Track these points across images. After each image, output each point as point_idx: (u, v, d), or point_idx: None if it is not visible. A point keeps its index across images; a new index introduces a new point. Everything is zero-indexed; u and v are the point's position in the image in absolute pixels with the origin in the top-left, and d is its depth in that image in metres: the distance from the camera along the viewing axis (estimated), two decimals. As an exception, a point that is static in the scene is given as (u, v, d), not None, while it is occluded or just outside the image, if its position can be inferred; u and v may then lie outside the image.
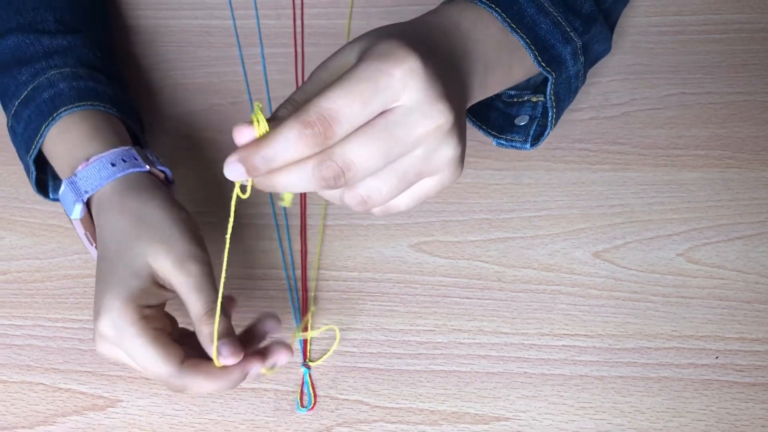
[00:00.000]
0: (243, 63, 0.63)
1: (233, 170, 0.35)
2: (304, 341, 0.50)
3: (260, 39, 0.64)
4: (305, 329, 0.50)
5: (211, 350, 0.41)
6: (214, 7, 0.66)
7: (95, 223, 0.46)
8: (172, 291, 0.43)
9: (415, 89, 0.33)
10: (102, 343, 0.42)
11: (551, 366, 0.49)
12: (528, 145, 0.51)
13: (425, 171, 0.36)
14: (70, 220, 0.47)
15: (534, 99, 0.51)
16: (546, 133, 0.50)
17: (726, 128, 0.58)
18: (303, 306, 0.52)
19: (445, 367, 0.49)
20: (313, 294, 0.52)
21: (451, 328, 0.51)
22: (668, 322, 0.50)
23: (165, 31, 0.64)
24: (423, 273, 0.53)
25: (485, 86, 0.43)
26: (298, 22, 0.65)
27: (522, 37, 0.44)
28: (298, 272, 0.53)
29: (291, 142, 0.33)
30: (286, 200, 0.37)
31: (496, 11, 0.43)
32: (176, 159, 0.58)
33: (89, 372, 0.50)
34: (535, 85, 0.52)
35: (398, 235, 0.54)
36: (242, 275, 0.53)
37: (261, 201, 0.56)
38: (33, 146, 0.49)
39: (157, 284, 0.43)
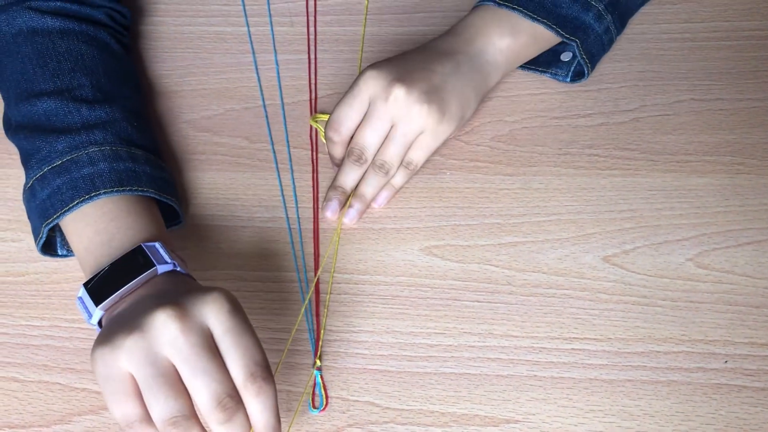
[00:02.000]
0: (257, 69, 0.64)
1: (330, 209, 0.56)
2: (316, 341, 0.51)
3: (274, 45, 0.65)
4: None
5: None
6: (229, 15, 0.67)
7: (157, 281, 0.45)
8: None
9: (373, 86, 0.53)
10: (177, 328, 0.39)
11: (561, 369, 0.49)
12: (568, 79, 0.61)
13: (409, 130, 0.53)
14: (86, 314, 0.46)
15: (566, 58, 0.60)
16: (584, 78, 0.60)
17: (736, 134, 0.58)
18: (315, 308, 0.53)
19: (456, 370, 0.50)
20: (328, 296, 0.53)
21: (462, 331, 0.51)
22: (677, 326, 0.51)
23: (181, 37, 0.65)
24: (433, 276, 0.53)
25: (518, 60, 0.58)
26: (312, 28, 0.65)
27: (543, 22, 0.56)
28: (311, 275, 0.54)
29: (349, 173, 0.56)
30: None
31: (517, 10, 0.56)
32: (191, 163, 0.59)
33: (105, 372, 0.51)
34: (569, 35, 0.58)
35: (409, 238, 0.55)
36: (255, 278, 0.54)
37: (275, 205, 0.57)
38: (55, 215, 0.48)
39: None
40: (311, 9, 0.66)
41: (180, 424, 0.38)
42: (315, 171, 0.58)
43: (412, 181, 0.57)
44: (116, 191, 0.49)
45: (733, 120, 0.59)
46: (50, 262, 0.55)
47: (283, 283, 0.54)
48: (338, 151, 0.56)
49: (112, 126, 0.52)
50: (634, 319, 0.51)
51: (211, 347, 0.39)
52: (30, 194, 0.51)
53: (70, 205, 0.48)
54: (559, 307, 0.52)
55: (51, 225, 0.49)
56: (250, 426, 0.40)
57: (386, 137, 0.54)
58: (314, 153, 0.59)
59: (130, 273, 0.44)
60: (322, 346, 0.51)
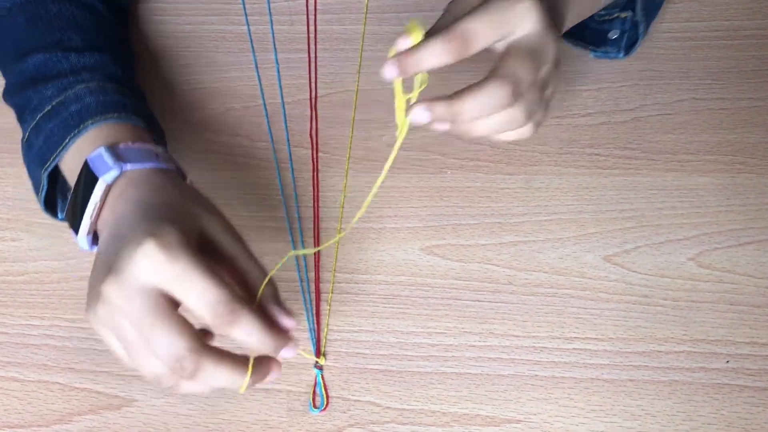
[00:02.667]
0: (257, 68, 0.63)
1: (389, 69, 0.41)
2: (317, 341, 0.51)
3: (274, 44, 0.64)
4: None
5: (275, 314, 0.39)
6: (229, 13, 0.66)
7: (122, 199, 0.42)
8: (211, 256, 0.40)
9: (530, 21, 0.42)
10: (117, 287, 0.37)
11: (562, 369, 0.49)
12: (621, 54, 0.60)
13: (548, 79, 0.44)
14: (77, 190, 0.44)
15: (623, 15, 0.58)
16: (638, 43, 0.59)
17: (736, 133, 0.58)
18: (316, 307, 0.52)
19: (457, 370, 0.50)
20: (330, 296, 0.53)
21: (462, 331, 0.51)
22: (679, 326, 0.51)
23: (182, 36, 0.65)
24: (434, 276, 0.53)
25: (575, 18, 0.52)
26: (312, 27, 0.65)
27: None
28: (311, 274, 0.54)
29: (437, 51, 0.41)
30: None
31: None
32: (191, 161, 0.59)
33: (105, 372, 0.51)
34: (622, 3, 0.57)
35: (410, 238, 0.55)
36: (256, 277, 0.54)
37: (275, 204, 0.57)
38: (51, 159, 0.48)
39: (198, 242, 0.40)
40: (311, 8, 0.66)
41: (163, 379, 0.39)
42: (315, 170, 0.58)
43: (413, 180, 0.57)
44: (103, 119, 0.47)
45: (735, 119, 0.59)
46: (50, 261, 0.55)
47: (283, 283, 0.53)
48: (442, 61, 0.42)
49: (101, 69, 0.52)
50: (635, 318, 0.51)
51: (157, 307, 0.37)
52: (27, 147, 0.51)
53: (63, 144, 0.47)
54: (560, 306, 0.52)
55: (49, 169, 0.48)
56: (220, 379, 0.38)
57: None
58: (314, 152, 0.59)
59: (83, 194, 0.43)
60: (323, 346, 0.51)
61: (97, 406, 0.49)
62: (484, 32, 0.41)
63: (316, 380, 0.50)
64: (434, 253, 0.54)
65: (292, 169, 0.58)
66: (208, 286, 0.37)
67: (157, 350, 0.37)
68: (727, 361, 0.49)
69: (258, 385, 0.49)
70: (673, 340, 0.50)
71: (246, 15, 0.66)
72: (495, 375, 0.49)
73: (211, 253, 0.41)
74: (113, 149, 0.44)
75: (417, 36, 0.42)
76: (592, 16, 0.58)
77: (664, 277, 0.52)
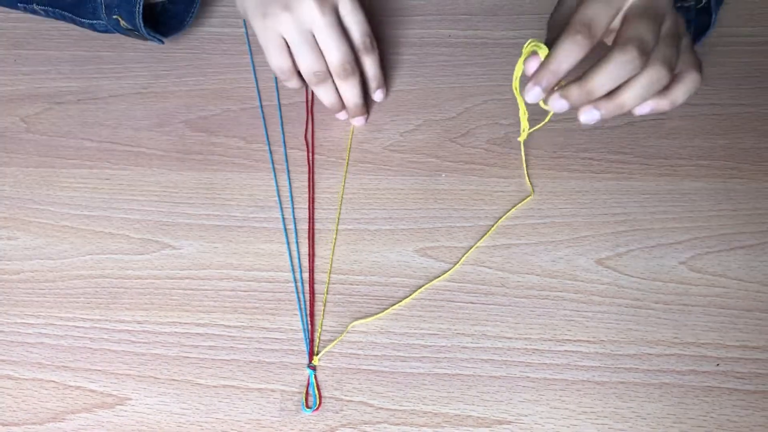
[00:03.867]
0: (254, 70, 0.64)
1: (532, 93, 0.44)
2: (311, 341, 0.51)
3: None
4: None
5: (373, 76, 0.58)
6: (227, 16, 0.67)
7: None
8: None
9: None
10: (318, 8, 0.53)
11: (553, 371, 0.50)
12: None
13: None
14: None
15: (686, 3, 0.59)
16: (709, 31, 0.60)
17: (729, 139, 0.58)
18: (310, 307, 0.53)
19: (449, 371, 0.50)
20: (325, 296, 0.53)
21: (455, 332, 0.51)
22: (670, 329, 0.51)
23: (179, 37, 0.66)
24: (428, 277, 0.53)
25: None
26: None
27: None
28: (305, 275, 0.54)
29: (567, 50, 0.43)
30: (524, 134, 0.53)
31: None
32: (187, 162, 0.59)
33: (99, 370, 0.51)
34: None
35: (404, 240, 0.55)
36: (250, 278, 0.54)
37: (270, 205, 0.57)
38: None
39: None
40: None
41: (320, 76, 0.56)
42: (311, 172, 0.59)
43: (408, 182, 0.58)
44: None
45: (727, 125, 0.59)
46: (46, 260, 0.55)
47: (278, 283, 0.54)
48: (576, 59, 0.44)
49: None
50: (626, 321, 0.51)
51: (339, 24, 0.54)
52: None
53: None
54: (553, 309, 0.52)
55: None
56: (358, 93, 0.58)
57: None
58: (310, 154, 0.60)
59: None
60: (317, 346, 0.51)
61: (91, 405, 0.50)
62: (600, 13, 0.44)
63: (309, 380, 0.50)
64: (428, 254, 0.54)
65: (288, 171, 0.59)
66: (366, 22, 0.56)
67: (333, 51, 0.55)
68: (718, 365, 0.50)
69: (252, 385, 0.49)
70: (664, 343, 0.50)
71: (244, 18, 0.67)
72: (487, 376, 0.50)
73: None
74: None
75: (543, 52, 0.45)
76: None
77: (656, 281, 0.53)
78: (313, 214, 0.57)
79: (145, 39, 0.63)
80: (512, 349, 0.51)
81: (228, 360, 0.51)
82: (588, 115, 0.46)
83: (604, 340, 0.51)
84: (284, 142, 0.60)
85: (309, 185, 0.58)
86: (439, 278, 0.53)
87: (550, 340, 0.51)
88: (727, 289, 0.52)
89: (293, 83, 0.59)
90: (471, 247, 0.54)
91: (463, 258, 0.54)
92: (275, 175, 0.59)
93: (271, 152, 0.60)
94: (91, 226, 0.56)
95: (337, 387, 0.50)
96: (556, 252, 0.54)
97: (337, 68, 0.55)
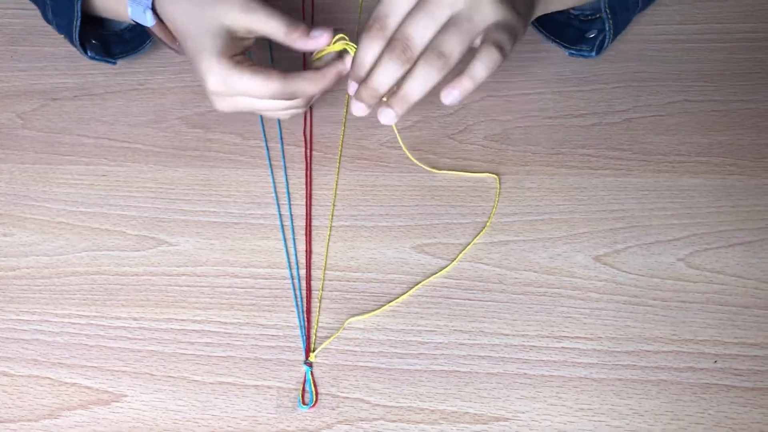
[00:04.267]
0: (251, 66, 0.64)
1: (385, 115, 0.48)
2: (307, 338, 0.51)
3: (269, 42, 0.65)
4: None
5: (309, 47, 0.50)
6: (223, 11, 0.67)
7: (167, 19, 0.52)
8: (250, 35, 0.51)
9: None
10: (218, 101, 0.51)
11: (551, 368, 0.50)
12: (594, 53, 0.60)
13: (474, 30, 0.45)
14: (152, 33, 0.54)
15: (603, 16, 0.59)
16: (606, 43, 0.59)
17: (728, 135, 0.58)
18: (307, 304, 0.53)
19: (446, 367, 0.50)
20: (320, 293, 0.53)
21: (452, 329, 0.51)
22: (667, 326, 0.51)
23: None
24: (425, 274, 0.53)
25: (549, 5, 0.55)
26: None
27: None
28: (302, 272, 0.54)
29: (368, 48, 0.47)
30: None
31: None
32: (184, 159, 0.59)
33: (95, 367, 0.51)
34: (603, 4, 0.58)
35: (401, 236, 0.55)
36: (247, 274, 0.54)
37: (267, 202, 0.57)
38: None
39: (236, 37, 0.50)
40: (307, 5, 0.66)
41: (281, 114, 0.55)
42: (308, 168, 0.58)
43: (405, 179, 0.57)
44: None
45: (726, 121, 0.59)
46: (42, 257, 0.55)
47: (274, 280, 0.54)
48: (375, 51, 0.47)
49: None
50: (624, 318, 0.51)
51: (237, 101, 0.51)
52: None
53: None
54: (550, 305, 0.52)
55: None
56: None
57: (443, 27, 0.46)
58: (307, 150, 0.59)
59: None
60: (313, 342, 0.51)
61: (86, 401, 0.49)
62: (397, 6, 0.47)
63: (305, 377, 0.50)
64: (425, 251, 0.54)
65: (285, 167, 0.59)
66: (263, 85, 0.49)
67: (261, 113, 0.55)
68: (715, 361, 0.49)
69: (249, 381, 0.49)
70: (662, 339, 0.50)
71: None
72: (484, 373, 0.50)
73: (246, 34, 0.51)
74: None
75: (353, 50, 0.49)
76: (577, 15, 0.61)
77: (654, 278, 0.52)
78: (310, 211, 0.56)
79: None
80: (509, 346, 0.50)
81: (224, 357, 0.51)
82: (384, 116, 0.48)
83: (602, 337, 0.50)
84: (281, 138, 0.60)
85: (306, 182, 0.58)
86: (436, 275, 0.53)
87: (547, 336, 0.51)
88: (726, 286, 0.52)
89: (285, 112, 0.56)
90: (468, 244, 0.54)
91: (461, 255, 0.54)
92: (272, 172, 0.58)
93: (268, 148, 0.59)
94: (87, 222, 0.56)
95: (334, 384, 0.50)
96: (554, 249, 0.54)
97: (279, 115, 0.55)
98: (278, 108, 0.53)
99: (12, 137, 0.60)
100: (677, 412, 0.48)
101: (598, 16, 0.60)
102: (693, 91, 0.60)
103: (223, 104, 0.52)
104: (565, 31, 0.62)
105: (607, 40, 0.59)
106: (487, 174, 0.57)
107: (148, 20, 0.52)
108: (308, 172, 0.58)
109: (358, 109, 0.49)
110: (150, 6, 0.52)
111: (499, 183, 0.56)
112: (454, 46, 0.45)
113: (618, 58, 0.62)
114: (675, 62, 0.62)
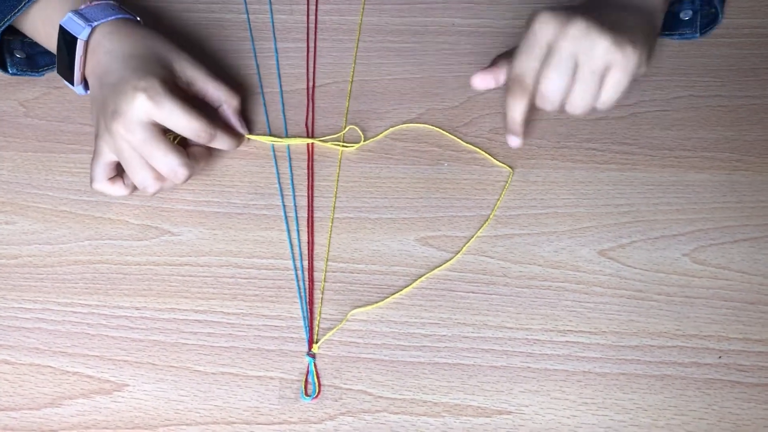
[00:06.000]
0: (256, 56, 0.63)
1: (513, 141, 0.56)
2: (310, 329, 0.51)
3: (273, 33, 0.64)
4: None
5: (235, 122, 0.57)
6: (228, 2, 0.66)
7: (100, 50, 0.53)
8: (187, 88, 0.55)
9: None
10: (122, 125, 0.50)
11: (554, 361, 0.49)
12: (697, 34, 0.61)
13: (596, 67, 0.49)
14: (61, 49, 0.54)
15: None
16: (717, 21, 0.61)
17: (734, 131, 0.58)
18: (309, 295, 0.52)
19: (449, 360, 0.50)
20: (323, 284, 0.53)
21: (456, 322, 0.51)
22: (672, 321, 0.51)
23: (181, 23, 0.65)
24: (429, 266, 0.53)
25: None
26: (312, 17, 0.65)
27: None
28: (305, 263, 0.54)
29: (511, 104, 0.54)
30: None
31: None
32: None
33: (97, 356, 0.50)
34: None
35: (405, 228, 0.55)
36: (250, 265, 0.53)
37: (271, 192, 0.57)
38: (6, 19, 0.55)
39: (176, 79, 0.53)
40: (311, -2, 0.66)
41: (148, 188, 0.52)
42: (311, 159, 0.58)
43: (410, 171, 0.57)
44: None
45: (732, 117, 0.59)
46: (44, 245, 0.54)
47: (277, 271, 0.53)
48: (523, 109, 0.53)
49: None
50: (628, 312, 0.51)
51: (153, 135, 0.50)
52: None
53: (19, 8, 0.55)
54: (554, 299, 0.51)
55: (2, 28, 0.55)
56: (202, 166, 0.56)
57: (573, 80, 0.50)
58: (310, 143, 0.59)
59: (70, 50, 0.53)
60: (316, 334, 0.51)
61: (88, 390, 0.49)
62: (527, 67, 0.52)
63: (308, 368, 0.50)
64: (429, 244, 0.54)
65: (290, 158, 0.58)
66: (190, 120, 0.51)
67: (157, 165, 0.51)
68: (720, 357, 0.49)
69: (251, 372, 0.49)
70: (666, 334, 0.50)
71: (246, 4, 0.66)
72: (487, 366, 0.49)
73: (186, 83, 0.55)
74: (79, 12, 0.53)
75: None
76: None
77: (659, 272, 0.52)
78: (312, 202, 0.56)
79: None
80: (513, 340, 0.50)
81: (227, 347, 0.50)
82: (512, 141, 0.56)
83: (606, 331, 0.50)
84: (286, 128, 0.60)
85: (308, 173, 0.58)
86: (440, 267, 0.53)
87: (551, 330, 0.50)
88: (731, 282, 0.52)
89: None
90: (472, 237, 0.54)
91: (465, 247, 0.54)
92: (276, 162, 0.58)
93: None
94: (89, 211, 0.56)
95: (337, 375, 0.49)
96: (559, 242, 0.54)
97: (168, 177, 0.52)
98: (174, 163, 0.51)
99: (14, 125, 0.60)
100: (681, 407, 0.48)
101: None
102: (699, 86, 0.60)
103: (121, 129, 0.50)
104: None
105: (718, 19, 0.61)
106: (503, 165, 0.57)
107: (83, 34, 0.53)
108: (310, 163, 0.58)
109: (515, 142, 0.56)
110: (92, 26, 0.53)
111: (512, 176, 0.56)
112: (583, 101, 0.51)
113: (624, 53, 0.62)
114: (681, 57, 0.62)
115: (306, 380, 0.49)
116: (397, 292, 0.52)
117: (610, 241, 0.54)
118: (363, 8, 0.65)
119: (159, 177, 0.52)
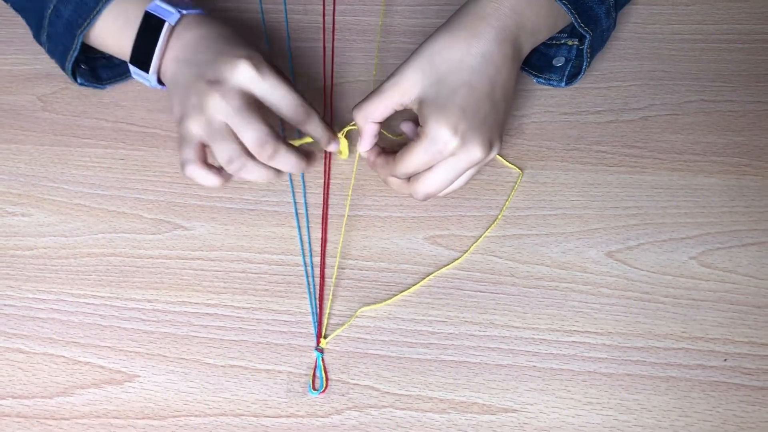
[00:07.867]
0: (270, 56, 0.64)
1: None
2: (319, 324, 0.51)
3: (287, 33, 0.65)
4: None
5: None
6: (243, 2, 0.67)
7: (188, 35, 0.53)
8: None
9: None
10: (219, 93, 0.48)
11: (560, 361, 0.50)
12: (563, 83, 0.60)
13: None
14: (141, 38, 0.53)
15: (570, 42, 0.58)
16: (580, 76, 0.60)
17: (744, 136, 0.58)
18: (320, 291, 0.53)
19: (456, 358, 0.50)
20: (333, 280, 0.53)
21: (463, 320, 0.51)
22: (678, 323, 0.51)
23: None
24: (437, 265, 0.54)
25: (535, 43, 0.54)
26: (328, 18, 0.66)
27: (565, 5, 0.53)
28: (316, 260, 0.54)
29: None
30: (344, 154, 0.57)
31: None
32: (201, 145, 0.59)
33: (108, 347, 0.51)
34: (568, 30, 0.58)
35: (414, 227, 0.55)
36: (261, 260, 0.54)
37: (282, 189, 0.57)
38: (86, 22, 0.54)
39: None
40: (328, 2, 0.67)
41: (234, 161, 0.49)
42: (326, 156, 0.59)
43: (420, 170, 0.57)
44: None
45: (742, 122, 0.59)
46: (59, 237, 0.55)
47: (288, 267, 0.54)
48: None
49: None
50: (635, 314, 0.51)
51: (249, 106, 0.49)
52: (54, 17, 0.55)
53: (97, 8, 0.54)
54: (561, 300, 0.52)
55: (85, 30, 0.54)
56: (294, 161, 0.51)
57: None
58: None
59: (152, 36, 0.53)
60: (324, 329, 0.51)
61: (99, 380, 0.50)
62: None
63: (316, 363, 0.50)
64: (438, 243, 0.54)
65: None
66: (290, 92, 0.51)
67: (246, 135, 0.49)
68: (725, 360, 0.49)
69: (260, 366, 0.50)
70: (672, 337, 0.50)
71: (261, 3, 0.67)
72: (494, 364, 0.50)
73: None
74: (165, 0, 0.53)
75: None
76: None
77: (666, 275, 0.53)
78: (327, 199, 0.57)
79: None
80: (520, 339, 0.51)
81: (236, 341, 0.51)
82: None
83: (612, 332, 0.51)
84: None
85: (324, 170, 0.58)
86: (448, 266, 0.53)
87: (557, 330, 0.51)
88: (738, 285, 0.52)
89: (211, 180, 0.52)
90: (480, 236, 0.54)
91: (473, 247, 0.54)
92: (288, 160, 0.59)
93: (285, 138, 0.60)
94: (104, 205, 0.57)
95: (344, 370, 0.50)
96: (567, 244, 0.54)
97: (256, 149, 0.49)
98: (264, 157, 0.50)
99: (32, 119, 0.61)
100: (686, 408, 0.48)
101: (562, 42, 0.58)
102: (709, 91, 0.60)
103: (221, 103, 0.49)
104: (531, 56, 0.60)
105: (581, 74, 0.59)
106: (513, 166, 0.57)
107: (172, 19, 0.52)
108: (326, 161, 0.59)
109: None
110: (182, 13, 0.53)
111: (521, 177, 0.57)
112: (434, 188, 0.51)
113: (635, 56, 0.62)
114: (692, 62, 0.62)
115: (314, 374, 0.50)
116: (405, 290, 0.53)
117: (618, 243, 0.54)
118: (383, 9, 0.66)
119: (244, 152, 0.49)
